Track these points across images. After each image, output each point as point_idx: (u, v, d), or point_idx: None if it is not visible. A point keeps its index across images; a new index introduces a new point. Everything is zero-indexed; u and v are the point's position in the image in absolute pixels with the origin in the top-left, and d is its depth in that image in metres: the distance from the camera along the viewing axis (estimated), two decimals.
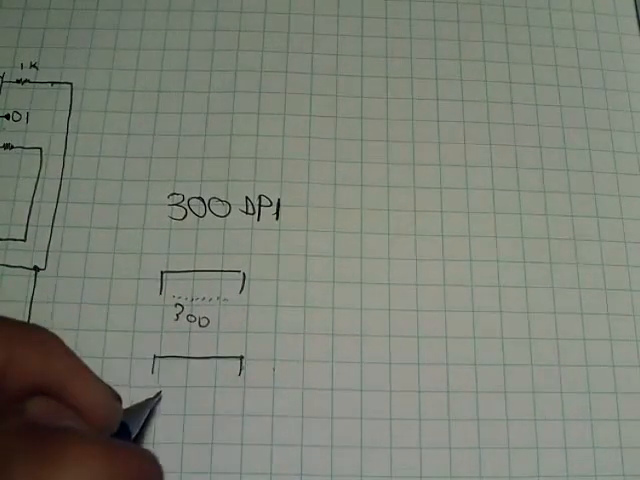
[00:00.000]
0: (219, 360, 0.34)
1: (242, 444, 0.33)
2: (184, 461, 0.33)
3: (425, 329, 0.35)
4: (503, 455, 0.33)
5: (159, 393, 0.33)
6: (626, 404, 0.35)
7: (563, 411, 0.34)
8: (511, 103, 0.40)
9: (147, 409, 0.32)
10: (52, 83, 0.39)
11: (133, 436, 0.29)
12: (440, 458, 0.33)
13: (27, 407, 0.17)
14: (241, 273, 0.36)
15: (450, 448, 0.33)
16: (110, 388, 0.21)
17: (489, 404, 0.34)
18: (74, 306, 0.35)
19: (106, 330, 0.34)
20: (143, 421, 0.31)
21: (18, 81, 0.39)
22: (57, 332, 0.20)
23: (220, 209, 0.37)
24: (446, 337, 0.35)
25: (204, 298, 0.35)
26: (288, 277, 0.36)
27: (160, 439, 0.33)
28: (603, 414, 0.34)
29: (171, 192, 0.37)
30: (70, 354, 0.19)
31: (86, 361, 0.20)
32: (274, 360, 0.34)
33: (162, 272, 0.36)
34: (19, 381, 0.17)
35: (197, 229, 0.37)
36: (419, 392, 0.34)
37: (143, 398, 0.33)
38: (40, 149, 0.38)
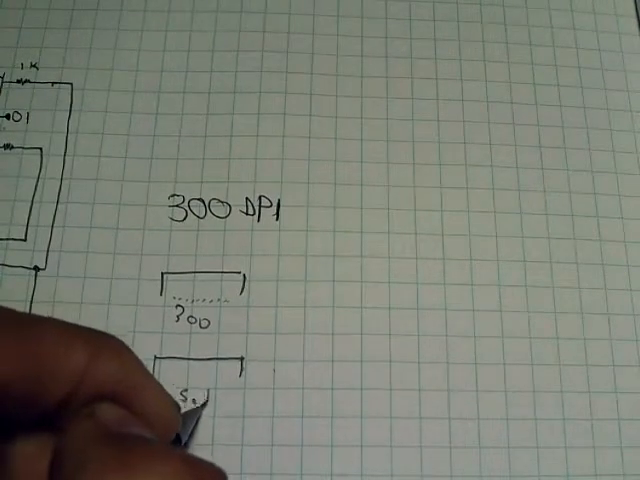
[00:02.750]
0: (220, 361, 0.34)
1: (242, 445, 0.33)
2: None
3: (425, 328, 0.35)
4: (503, 455, 0.33)
5: (206, 402, 0.33)
6: (626, 404, 0.35)
7: (563, 411, 0.34)
8: (511, 103, 0.40)
9: (195, 417, 0.32)
10: (52, 83, 0.39)
11: (183, 443, 0.29)
12: (440, 457, 0.33)
13: (97, 411, 0.17)
14: (241, 274, 0.36)
15: (450, 447, 0.34)
16: (172, 398, 0.21)
17: (489, 403, 0.34)
18: (74, 306, 0.35)
19: (107, 330, 0.34)
20: (192, 428, 0.31)
21: (18, 81, 0.39)
22: None
23: (220, 210, 0.37)
24: (446, 336, 0.35)
25: (204, 299, 0.35)
26: (288, 278, 0.36)
27: None
28: (603, 414, 0.34)
29: (171, 193, 0.37)
30: (141, 363, 0.19)
31: None
32: (274, 361, 0.34)
33: (162, 273, 0.36)
34: (96, 386, 0.17)
35: (197, 230, 0.37)
36: (419, 391, 0.34)
37: None
38: (40, 149, 0.38)
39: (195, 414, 0.32)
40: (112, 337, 0.19)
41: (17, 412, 0.17)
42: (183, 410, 0.32)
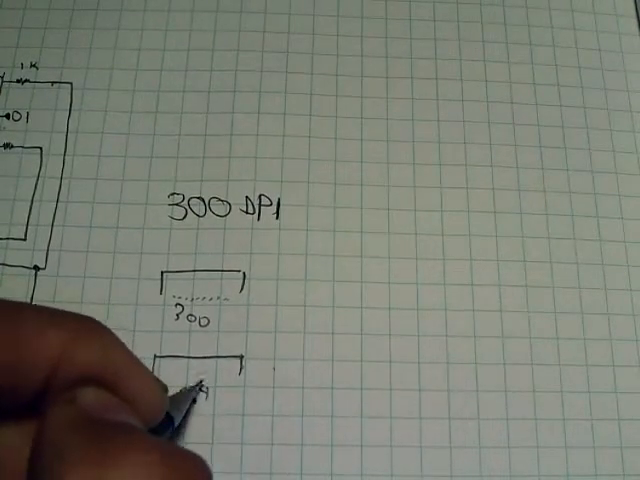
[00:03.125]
0: (219, 360, 0.34)
1: (242, 443, 0.33)
2: None
3: (425, 328, 0.35)
4: (503, 454, 0.33)
5: (201, 381, 0.33)
6: (626, 404, 0.35)
7: (563, 411, 0.34)
8: (511, 103, 0.40)
9: (189, 398, 0.32)
10: (52, 83, 0.39)
11: (176, 424, 0.29)
12: (440, 457, 0.33)
13: (78, 396, 0.17)
14: (241, 273, 0.36)
15: (450, 447, 0.33)
16: (159, 380, 0.20)
17: (489, 403, 0.34)
18: (74, 306, 0.35)
19: None
20: (185, 410, 0.31)
21: (18, 81, 0.39)
22: None
23: (220, 209, 0.37)
24: (446, 336, 0.35)
25: (204, 298, 0.35)
26: (288, 276, 0.36)
27: None
28: (603, 414, 0.34)
29: (171, 192, 0.37)
30: (125, 347, 0.19)
31: None
32: (274, 359, 0.34)
33: (162, 272, 0.36)
34: (76, 370, 0.17)
35: (197, 229, 0.37)
36: (419, 391, 0.34)
37: None
38: (40, 149, 0.38)
39: (189, 395, 0.32)
40: (91, 319, 0.19)
41: None
42: (176, 391, 0.32)
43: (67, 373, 0.17)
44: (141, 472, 0.15)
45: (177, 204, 0.37)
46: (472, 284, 0.36)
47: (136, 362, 0.19)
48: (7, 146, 0.38)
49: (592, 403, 0.35)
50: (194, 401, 0.33)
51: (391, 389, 0.34)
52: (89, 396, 0.17)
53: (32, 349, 0.17)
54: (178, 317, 0.35)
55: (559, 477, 0.33)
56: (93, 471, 0.14)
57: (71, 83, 0.39)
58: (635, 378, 0.35)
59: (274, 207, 0.37)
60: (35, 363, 0.17)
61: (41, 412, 0.17)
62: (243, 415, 0.33)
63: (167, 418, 0.27)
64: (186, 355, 0.34)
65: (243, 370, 0.34)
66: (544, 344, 0.35)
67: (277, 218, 0.37)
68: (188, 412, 0.33)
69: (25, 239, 0.36)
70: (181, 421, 0.31)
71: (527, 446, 0.34)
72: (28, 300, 0.35)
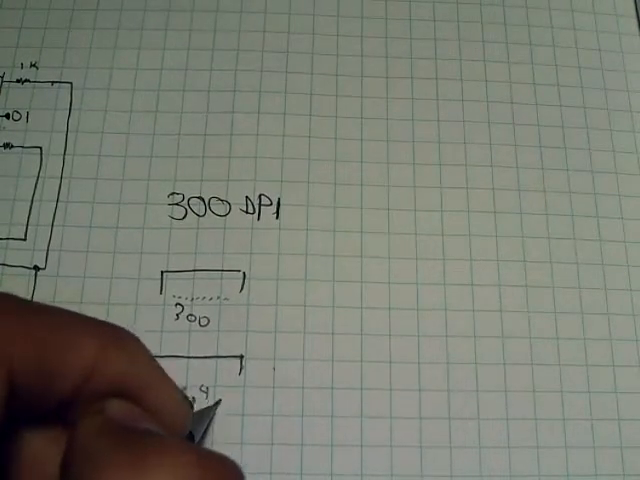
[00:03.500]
0: (219, 359, 0.34)
1: (242, 443, 0.33)
2: None
3: (425, 328, 0.35)
4: (503, 454, 0.33)
5: (219, 401, 0.33)
6: (626, 404, 0.35)
7: (563, 411, 0.34)
8: (511, 103, 0.40)
9: (208, 416, 0.32)
10: (52, 82, 0.39)
11: (196, 442, 0.29)
12: (440, 457, 0.33)
13: (106, 407, 0.16)
14: (241, 272, 0.36)
15: (450, 447, 0.33)
16: (184, 394, 0.20)
17: (489, 403, 0.34)
18: (74, 306, 0.35)
19: None
20: (205, 428, 0.31)
21: (18, 81, 0.39)
22: None
23: (220, 208, 0.37)
24: (446, 336, 0.35)
25: (204, 297, 0.35)
26: (288, 276, 0.36)
27: None
28: (603, 414, 0.34)
29: (171, 191, 0.37)
30: (152, 358, 0.19)
31: None
32: (274, 359, 0.34)
33: (162, 272, 0.36)
34: (105, 381, 0.17)
35: (197, 228, 0.37)
36: (419, 391, 0.34)
37: None
38: (40, 148, 0.38)
39: (209, 412, 0.32)
40: (122, 329, 0.18)
41: (25, 404, 0.17)
42: (196, 409, 0.32)
43: (97, 384, 0.17)
44: (178, 473, 0.15)
45: (177, 204, 0.37)
46: (472, 284, 0.36)
47: (162, 373, 0.19)
48: (7, 146, 0.38)
49: (592, 403, 0.35)
50: (212, 419, 0.33)
51: (391, 389, 0.34)
52: (118, 407, 0.17)
53: (66, 352, 0.16)
54: (178, 317, 0.35)
55: (559, 477, 0.33)
56: (129, 474, 0.14)
57: (71, 83, 0.39)
58: (635, 378, 0.35)
59: (274, 207, 0.37)
60: (68, 368, 0.16)
61: (66, 420, 0.17)
62: (243, 415, 0.33)
63: (189, 435, 0.27)
64: (186, 355, 0.34)
65: (243, 370, 0.34)
66: (544, 344, 0.35)
67: (277, 218, 0.37)
68: (206, 431, 0.32)
69: (25, 239, 0.36)
70: (200, 439, 0.31)
71: (527, 446, 0.34)
72: None
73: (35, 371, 0.16)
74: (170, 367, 0.34)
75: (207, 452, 0.16)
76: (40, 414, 0.17)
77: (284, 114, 0.39)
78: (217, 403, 0.33)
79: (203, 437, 0.32)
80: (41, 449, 0.17)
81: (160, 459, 0.15)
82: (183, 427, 0.19)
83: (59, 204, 0.37)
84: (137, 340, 0.18)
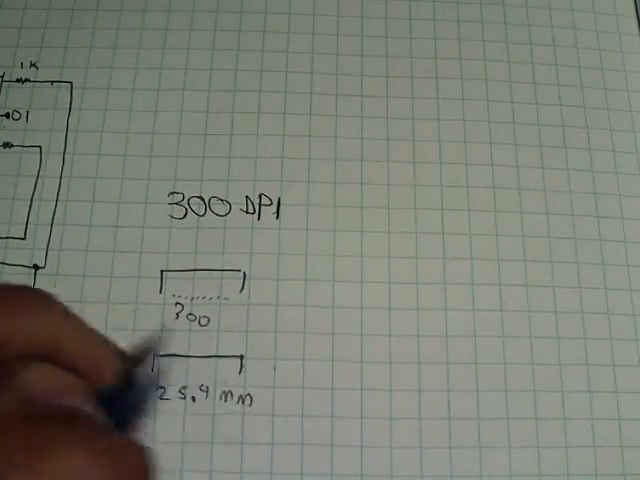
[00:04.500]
0: (219, 359, 0.34)
1: (242, 443, 0.33)
2: (185, 460, 0.33)
3: (425, 328, 0.35)
4: (503, 454, 0.33)
5: (159, 337, 0.33)
6: (626, 404, 0.35)
7: (564, 410, 0.34)
8: (511, 102, 0.40)
9: (149, 352, 0.31)
10: (52, 82, 0.39)
11: (141, 377, 0.28)
12: (440, 457, 0.33)
13: (25, 377, 0.17)
14: (241, 272, 0.36)
15: (450, 447, 0.33)
16: (105, 339, 0.20)
17: (490, 403, 0.34)
18: (74, 305, 0.34)
19: (106, 329, 0.34)
20: (151, 365, 0.31)
21: (18, 80, 0.39)
22: None
23: (220, 208, 0.37)
24: (446, 336, 0.35)
25: (204, 297, 0.35)
26: (288, 276, 0.36)
27: (162, 438, 0.33)
28: (603, 413, 0.34)
29: (171, 191, 0.37)
30: (67, 313, 0.19)
31: None
32: (274, 359, 0.34)
33: (162, 271, 0.36)
34: (19, 351, 0.17)
35: (197, 228, 0.37)
36: (419, 391, 0.34)
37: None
38: (40, 148, 0.38)
39: (147, 350, 0.31)
40: (37, 293, 0.18)
41: None
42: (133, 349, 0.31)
43: (13, 355, 0.17)
44: (81, 464, 0.15)
45: (177, 203, 0.37)
46: (472, 283, 0.36)
47: (78, 326, 0.19)
48: (7, 145, 0.38)
49: (592, 403, 0.35)
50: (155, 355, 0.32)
51: (391, 389, 0.34)
52: (35, 375, 0.17)
53: None
54: (178, 316, 0.35)
55: (559, 477, 0.33)
56: (33, 462, 0.15)
57: (71, 82, 0.39)
58: (635, 378, 0.35)
59: (274, 207, 0.37)
60: None
61: None
62: (243, 415, 0.33)
63: (129, 378, 0.26)
64: (186, 354, 0.34)
65: (243, 370, 0.34)
66: (544, 344, 0.35)
67: (277, 218, 0.37)
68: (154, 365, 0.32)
69: (25, 238, 0.36)
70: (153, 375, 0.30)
71: (527, 446, 0.34)
72: None
73: None
74: (170, 366, 0.34)
75: (116, 441, 0.16)
76: None
77: (284, 114, 0.39)
78: (160, 332, 0.33)
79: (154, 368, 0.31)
80: None
81: (65, 449, 0.15)
82: (107, 374, 0.19)
83: (59, 203, 0.37)
84: (48, 298, 0.18)
